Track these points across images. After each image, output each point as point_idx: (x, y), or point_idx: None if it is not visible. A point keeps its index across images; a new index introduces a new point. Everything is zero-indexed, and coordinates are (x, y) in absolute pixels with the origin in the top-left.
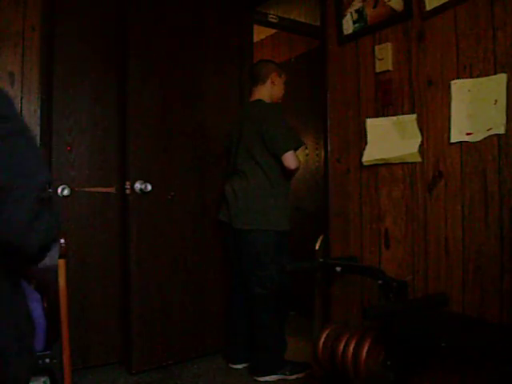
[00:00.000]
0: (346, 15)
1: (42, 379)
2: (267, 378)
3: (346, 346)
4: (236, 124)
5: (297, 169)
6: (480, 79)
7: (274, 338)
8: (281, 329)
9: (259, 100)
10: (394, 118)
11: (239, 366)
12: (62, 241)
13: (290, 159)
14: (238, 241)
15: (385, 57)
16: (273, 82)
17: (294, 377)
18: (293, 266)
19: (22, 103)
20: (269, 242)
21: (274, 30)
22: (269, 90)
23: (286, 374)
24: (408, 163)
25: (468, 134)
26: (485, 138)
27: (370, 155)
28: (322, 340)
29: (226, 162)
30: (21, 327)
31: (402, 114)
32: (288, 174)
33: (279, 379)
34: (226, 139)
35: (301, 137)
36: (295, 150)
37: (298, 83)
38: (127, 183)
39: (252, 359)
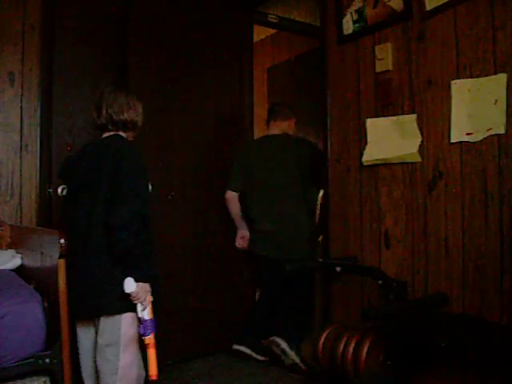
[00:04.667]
0: (346, 15)
1: (42, 379)
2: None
3: (346, 346)
4: (256, 155)
5: None
6: (480, 79)
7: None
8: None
9: (286, 134)
10: (394, 118)
11: (241, 348)
12: (62, 241)
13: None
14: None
15: (385, 57)
16: (290, 126)
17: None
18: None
19: (21, 103)
20: None
21: (273, 30)
22: (286, 129)
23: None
24: (408, 163)
25: (468, 133)
26: (485, 138)
27: (370, 155)
28: (322, 340)
29: (244, 192)
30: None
31: (402, 114)
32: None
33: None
34: (238, 167)
35: None
36: None
37: (298, 83)
38: None
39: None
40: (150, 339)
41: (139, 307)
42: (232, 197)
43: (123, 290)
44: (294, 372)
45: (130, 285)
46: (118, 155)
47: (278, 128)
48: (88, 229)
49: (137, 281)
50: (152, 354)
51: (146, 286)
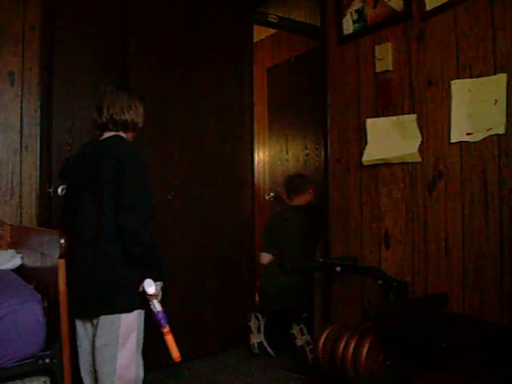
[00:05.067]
0: (346, 15)
1: (42, 379)
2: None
3: (346, 346)
4: (280, 222)
5: None
6: (480, 79)
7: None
8: None
9: (305, 205)
10: (394, 118)
11: (259, 316)
12: (62, 241)
13: None
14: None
15: (385, 57)
16: (310, 194)
17: None
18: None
19: (22, 103)
20: None
21: (274, 30)
22: (309, 199)
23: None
24: (408, 163)
25: (468, 133)
26: (485, 138)
27: (370, 155)
28: (322, 340)
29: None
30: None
31: (402, 114)
32: None
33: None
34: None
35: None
36: None
37: (298, 83)
38: None
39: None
40: (167, 327)
41: (154, 302)
42: (268, 261)
43: (123, 290)
44: (295, 372)
45: (150, 286)
46: (119, 157)
47: (301, 200)
48: (90, 230)
49: (155, 281)
50: (171, 339)
51: (161, 284)
